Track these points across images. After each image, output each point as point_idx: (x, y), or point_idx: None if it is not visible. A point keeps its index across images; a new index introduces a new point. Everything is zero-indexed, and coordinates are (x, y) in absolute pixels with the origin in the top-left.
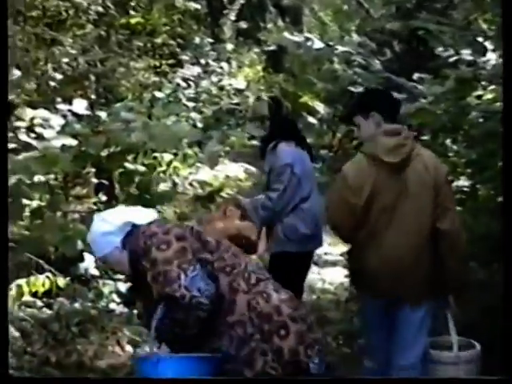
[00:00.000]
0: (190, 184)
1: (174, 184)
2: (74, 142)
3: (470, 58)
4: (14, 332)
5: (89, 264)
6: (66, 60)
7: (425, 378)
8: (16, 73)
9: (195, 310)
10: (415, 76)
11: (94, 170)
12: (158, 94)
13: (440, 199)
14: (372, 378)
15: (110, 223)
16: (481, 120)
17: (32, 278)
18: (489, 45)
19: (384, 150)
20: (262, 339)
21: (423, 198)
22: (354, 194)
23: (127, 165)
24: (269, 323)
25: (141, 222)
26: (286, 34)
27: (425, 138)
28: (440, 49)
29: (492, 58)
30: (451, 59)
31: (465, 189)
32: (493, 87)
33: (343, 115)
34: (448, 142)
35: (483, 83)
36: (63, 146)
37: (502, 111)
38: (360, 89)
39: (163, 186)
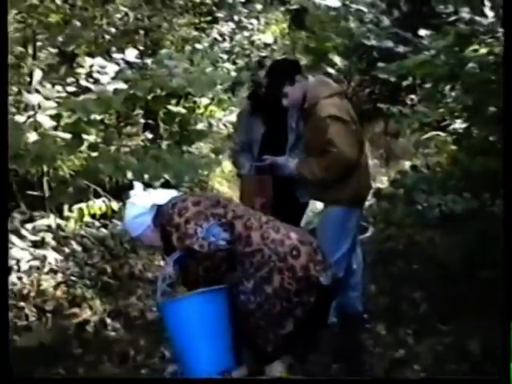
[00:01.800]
0: (224, 124)
1: (210, 124)
2: (124, 86)
3: (467, 16)
4: (76, 247)
5: (137, 191)
6: (118, 16)
7: (425, 378)
8: (77, 25)
9: (215, 253)
10: (420, 32)
11: (141, 111)
12: (198, 46)
13: None
14: (372, 378)
15: (140, 206)
16: (476, 70)
17: (90, 203)
18: (486, 3)
19: (336, 84)
20: (279, 260)
21: None
22: (351, 124)
23: (170, 107)
24: (282, 247)
25: (165, 202)
26: None
27: (427, 85)
28: (441, 7)
29: (488, 15)
30: (451, 18)
31: (460, 130)
32: (487, 42)
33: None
34: (447, 89)
35: (479, 38)
36: (116, 89)
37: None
38: (372, 42)
39: (200, 126)
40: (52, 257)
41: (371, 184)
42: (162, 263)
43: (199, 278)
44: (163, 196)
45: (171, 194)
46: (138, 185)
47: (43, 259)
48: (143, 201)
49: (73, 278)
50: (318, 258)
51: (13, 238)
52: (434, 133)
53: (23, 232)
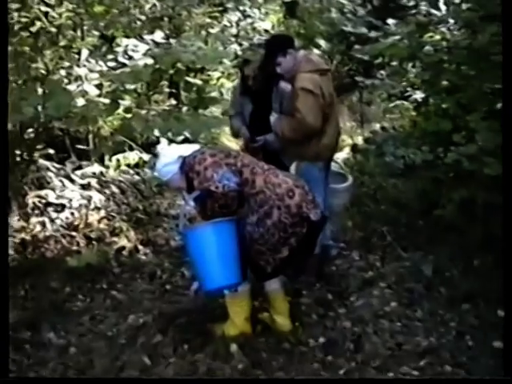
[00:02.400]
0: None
1: (221, 93)
2: (152, 62)
3: (425, 8)
4: (115, 189)
5: (163, 145)
6: (148, 6)
7: (425, 378)
8: (115, 13)
9: (228, 193)
10: (388, 21)
11: (166, 82)
12: (211, 31)
13: None
14: (372, 379)
15: (169, 157)
16: (432, 52)
17: (126, 154)
18: None
19: (321, 62)
20: (277, 199)
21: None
22: (320, 101)
23: (189, 79)
24: (280, 188)
25: (188, 154)
26: None
27: (394, 63)
28: (405, 1)
29: (442, 9)
30: (412, 10)
31: (419, 99)
32: (441, 30)
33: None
34: (409, 66)
35: (434, 27)
36: (146, 64)
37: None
38: (350, 28)
39: (213, 94)
40: (96, 197)
41: (334, 146)
42: (182, 202)
43: (215, 213)
44: (187, 149)
45: (193, 147)
46: (163, 141)
47: (89, 199)
48: (171, 153)
49: (112, 214)
50: (309, 198)
51: (66, 182)
52: (399, 102)
53: (74, 177)
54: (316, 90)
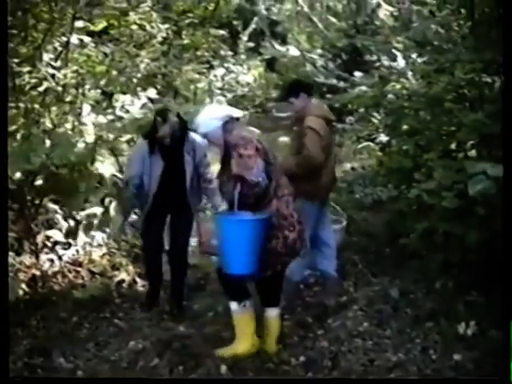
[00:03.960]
0: None
1: None
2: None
3: (386, 63)
4: None
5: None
6: (143, 65)
7: (425, 378)
8: (114, 73)
9: (257, 188)
10: (355, 73)
11: None
12: (199, 85)
13: None
14: (372, 379)
15: (215, 111)
16: (394, 100)
17: None
18: (399, 54)
19: (329, 112)
20: (280, 230)
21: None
22: (323, 141)
23: None
24: (285, 221)
25: (235, 115)
26: (277, 48)
27: (361, 110)
28: (368, 56)
29: (400, 63)
30: (376, 64)
31: (384, 141)
32: (400, 80)
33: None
34: (374, 112)
35: (394, 78)
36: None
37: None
38: (322, 80)
39: None
40: (99, 235)
41: (329, 188)
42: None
43: (243, 199)
44: (235, 111)
45: (238, 112)
46: None
47: (92, 237)
48: (218, 110)
49: (113, 250)
50: (304, 235)
51: (71, 223)
52: (366, 143)
53: (77, 217)
54: (321, 132)
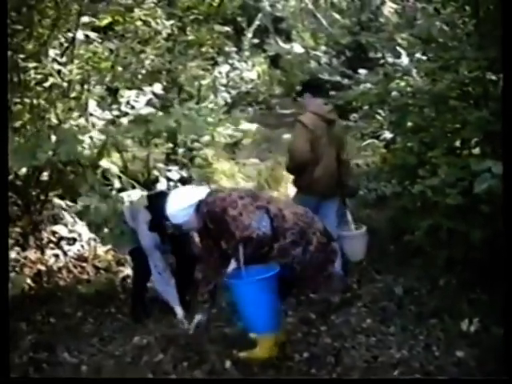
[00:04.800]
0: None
1: (213, 137)
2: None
3: (391, 59)
4: None
5: (163, 185)
6: (148, 61)
7: (425, 378)
8: (119, 69)
9: (265, 238)
10: (359, 71)
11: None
12: (203, 82)
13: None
14: (372, 379)
15: (184, 201)
16: (398, 97)
17: (129, 192)
18: (403, 51)
19: (326, 111)
20: (308, 226)
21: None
22: (312, 135)
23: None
24: (306, 217)
25: (203, 197)
26: (281, 45)
27: (365, 107)
28: (373, 54)
29: (404, 60)
30: (380, 61)
31: (388, 138)
32: (404, 78)
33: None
34: (379, 110)
35: (398, 75)
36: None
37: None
38: (326, 77)
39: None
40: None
41: (326, 183)
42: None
43: (254, 258)
44: (201, 192)
45: (207, 190)
46: (162, 180)
47: None
48: (185, 197)
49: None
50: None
51: (76, 218)
52: (370, 140)
53: None
54: (311, 127)
